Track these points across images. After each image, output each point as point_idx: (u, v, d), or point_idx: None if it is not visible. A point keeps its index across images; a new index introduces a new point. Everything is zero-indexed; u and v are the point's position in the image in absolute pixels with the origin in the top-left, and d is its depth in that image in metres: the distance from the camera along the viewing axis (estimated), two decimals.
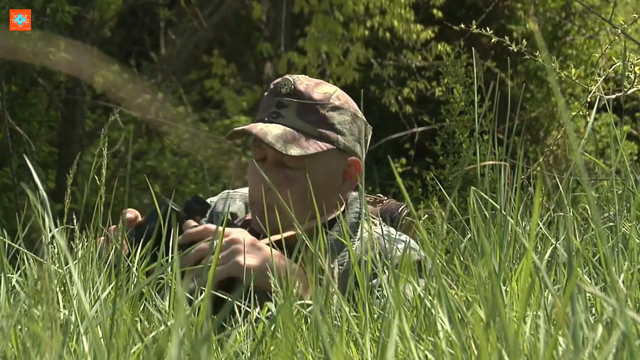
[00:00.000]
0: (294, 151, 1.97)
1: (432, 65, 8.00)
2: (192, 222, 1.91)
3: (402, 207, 2.11)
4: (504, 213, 1.34)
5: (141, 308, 1.32)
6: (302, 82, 2.04)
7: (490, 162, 1.42)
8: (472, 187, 1.34)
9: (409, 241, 1.90)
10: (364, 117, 2.08)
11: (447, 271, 1.34)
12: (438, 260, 1.14)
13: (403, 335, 1.03)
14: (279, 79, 2.06)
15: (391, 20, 7.71)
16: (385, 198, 2.17)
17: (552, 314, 1.13)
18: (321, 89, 2.04)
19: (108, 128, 1.67)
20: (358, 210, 2.04)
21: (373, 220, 2.03)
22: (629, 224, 1.40)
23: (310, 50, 7.64)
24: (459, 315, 1.06)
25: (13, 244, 1.49)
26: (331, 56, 7.79)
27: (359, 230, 2.00)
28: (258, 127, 1.98)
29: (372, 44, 8.25)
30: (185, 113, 8.68)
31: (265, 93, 2.08)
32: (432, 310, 1.12)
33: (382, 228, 1.95)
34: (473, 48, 2.07)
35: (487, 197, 1.36)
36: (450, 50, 3.56)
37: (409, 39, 7.78)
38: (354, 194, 2.08)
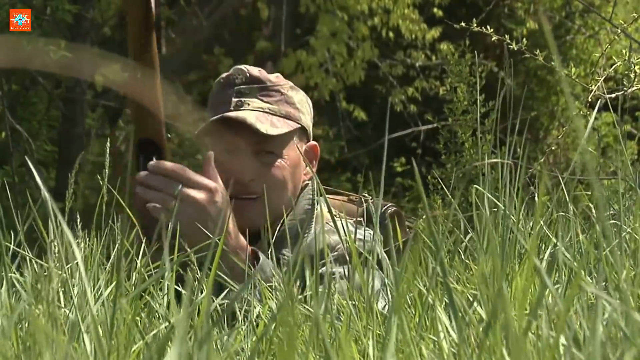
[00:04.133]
0: (273, 131, 1.94)
1: (437, 64, 8.01)
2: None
3: (387, 206, 2.09)
4: (507, 212, 1.34)
5: (142, 306, 1.32)
6: (254, 69, 2.03)
7: (493, 161, 1.41)
8: (475, 186, 1.34)
9: (365, 232, 1.81)
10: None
11: (449, 270, 1.34)
12: (442, 259, 1.14)
13: (404, 335, 1.03)
14: (226, 74, 2.03)
15: (397, 20, 7.73)
16: (370, 197, 2.14)
17: (553, 314, 1.13)
18: (272, 73, 2.05)
19: (108, 127, 1.67)
20: (310, 197, 2.01)
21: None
22: (633, 224, 1.40)
23: (320, 49, 7.66)
24: (461, 313, 1.06)
25: (15, 248, 1.49)
26: (336, 56, 7.81)
27: (313, 219, 1.96)
28: (232, 115, 1.93)
29: (376, 43, 8.25)
30: (186, 112, 8.68)
31: (214, 91, 2.04)
32: (434, 310, 1.11)
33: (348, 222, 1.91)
34: (475, 48, 2.07)
35: (489, 195, 1.36)
36: (454, 49, 3.56)
37: (416, 37, 7.80)
38: (308, 181, 2.06)
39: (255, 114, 1.96)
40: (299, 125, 2.01)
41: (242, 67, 2.03)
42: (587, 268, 1.37)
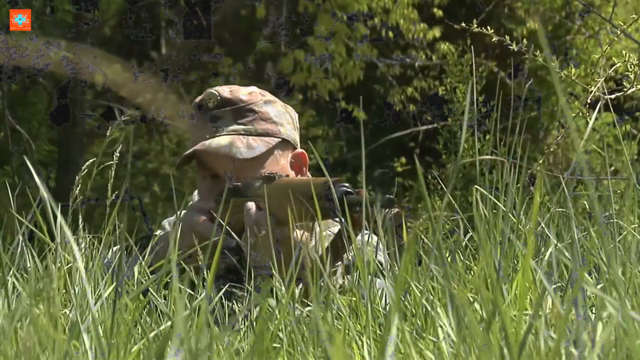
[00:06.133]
0: (250, 153, 1.97)
1: (436, 64, 8.01)
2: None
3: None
4: (508, 212, 1.34)
5: (144, 306, 1.31)
6: (225, 90, 2.05)
7: (490, 157, 1.42)
8: (475, 186, 1.34)
9: (377, 240, 1.83)
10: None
11: (449, 271, 1.34)
12: (442, 259, 1.14)
13: (403, 337, 1.03)
14: (199, 98, 2.06)
15: (396, 20, 7.73)
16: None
17: (550, 314, 1.13)
18: (244, 91, 2.05)
19: (108, 127, 1.68)
20: None
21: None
22: (632, 225, 1.40)
23: (318, 49, 7.66)
24: (460, 314, 1.06)
25: (14, 244, 1.49)
26: (335, 55, 7.81)
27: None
28: (205, 145, 1.98)
29: (375, 43, 8.25)
30: (186, 112, 8.67)
31: (193, 117, 2.07)
32: (432, 311, 1.11)
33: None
34: (475, 48, 2.06)
35: (489, 195, 1.36)
36: (454, 49, 3.56)
37: (415, 36, 7.81)
38: None
39: (229, 138, 1.99)
40: (280, 139, 2.02)
41: (214, 90, 2.05)
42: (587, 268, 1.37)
